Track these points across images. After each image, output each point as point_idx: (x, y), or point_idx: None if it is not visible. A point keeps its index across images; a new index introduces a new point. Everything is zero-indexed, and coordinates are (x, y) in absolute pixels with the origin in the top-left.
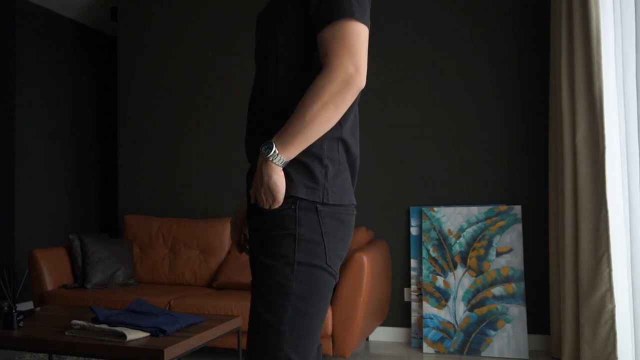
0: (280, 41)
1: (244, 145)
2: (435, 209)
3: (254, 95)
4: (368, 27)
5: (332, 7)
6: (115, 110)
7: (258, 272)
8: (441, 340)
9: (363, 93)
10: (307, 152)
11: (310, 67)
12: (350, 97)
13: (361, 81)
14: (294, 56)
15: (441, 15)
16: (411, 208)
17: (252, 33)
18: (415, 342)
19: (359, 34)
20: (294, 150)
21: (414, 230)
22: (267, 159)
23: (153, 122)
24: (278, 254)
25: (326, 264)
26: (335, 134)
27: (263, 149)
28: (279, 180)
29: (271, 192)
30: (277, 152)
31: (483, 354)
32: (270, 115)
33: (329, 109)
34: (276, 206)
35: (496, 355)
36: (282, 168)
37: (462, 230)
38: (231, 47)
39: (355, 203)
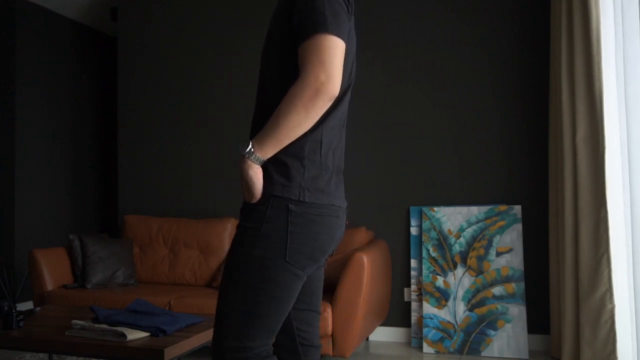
0: (273, 56)
1: None
2: (435, 209)
3: (255, 105)
4: (344, 40)
5: (308, 23)
6: (115, 110)
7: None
8: (441, 340)
9: (363, 93)
10: (289, 153)
11: (294, 78)
12: (321, 104)
13: (332, 90)
14: (282, 69)
15: (441, 15)
16: (411, 208)
17: (252, 33)
18: (415, 342)
19: (332, 47)
20: (269, 150)
21: (414, 230)
22: (243, 156)
23: (153, 122)
24: (240, 245)
25: (285, 261)
26: (317, 137)
27: (241, 146)
28: (255, 177)
29: (248, 188)
30: (252, 150)
31: (483, 354)
32: (264, 122)
33: (300, 114)
34: (254, 201)
35: (496, 355)
36: (259, 166)
37: (462, 230)
38: (231, 47)
39: (338, 204)
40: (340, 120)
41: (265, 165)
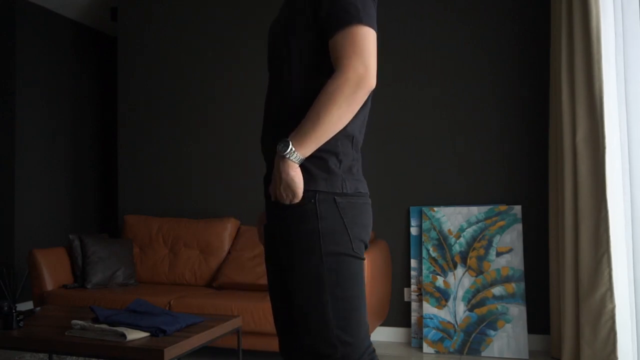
0: (293, 49)
1: (261, 146)
2: (435, 209)
3: (270, 101)
4: (375, 31)
5: (341, 15)
6: (115, 110)
7: (286, 269)
8: (441, 340)
9: None
10: (323, 148)
11: (321, 72)
12: (361, 97)
13: (371, 81)
14: (306, 63)
15: (441, 15)
16: (411, 208)
17: (252, 33)
18: (415, 342)
19: (367, 37)
20: (310, 147)
21: (414, 230)
22: (283, 157)
23: (153, 122)
24: (305, 249)
25: (353, 250)
26: (348, 131)
27: (280, 147)
28: (297, 177)
29: (290, 188)
30: (293, 149)
31: (483, 354)
32: (286, 118)
33: (342, 108)
34: (296, 201)
35: (496, 355)
36: (298, 164)
37: (462, 230)
38: (231, 47)
39: (367, 191)
40: (365, 114)
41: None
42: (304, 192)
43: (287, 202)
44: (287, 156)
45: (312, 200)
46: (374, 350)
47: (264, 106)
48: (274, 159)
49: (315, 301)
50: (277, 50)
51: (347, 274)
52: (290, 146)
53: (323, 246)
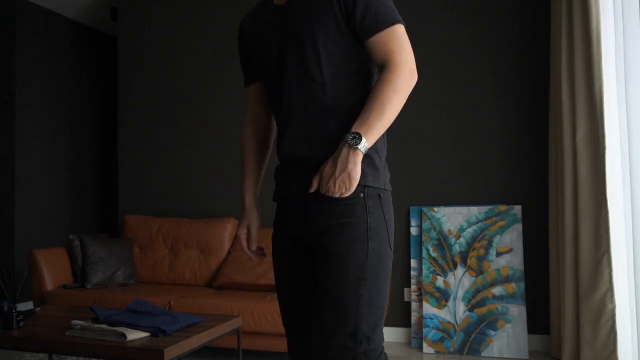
0: (323, 51)
1: (284, 151)
2: (435, 209)
3: (298, 104)
4: None
5: (381, 16)
6: (115, 110)
7: (329, 261)
8: (441, 340)
9: None
10: None
11: (350, 73)
12: (411, 88)
13: (416, 74)
14: (336, 64)
15: (441, 15)
16: (411, 208)
17: None
18: (415, 342)
19: (406, 35)
20: (374, 139)
21: (414, 230)
22: (356, 148)
23: (153, 122)
24: (353, 242)
25: (389, 247)
26: None
27: (351, 139)
28: (359, 169)
29: (350, 180)
30: (365, 141)
31: (483, 354)
32: (324, 120)
33: (400, 100)
34: (347, 194)
35: (496, 355)
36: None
37: (462, 230)
38: (231, 47)
39: None
40: None
41: None
42: (357, 187)
43: (337, 195)
44: (360, 147)
45: (362, 195)
46: (384, 351)
47: (284, 109)
48: (306, 161)
49: (354, 294)
50: (301, 52)
51: (382, 271)
52: (363, 138)
53: (370, 241)
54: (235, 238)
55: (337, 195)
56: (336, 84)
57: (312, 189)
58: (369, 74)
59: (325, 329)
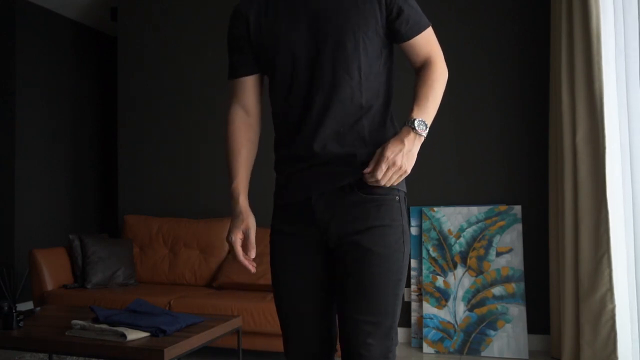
0: (361, 51)
1: (311, 150)
2: (435, 209)
3: (334, 103)
4: None
5: (420, 17)
6: (115, 110)
7: (373, 263)
8: (441, 340)
9: None
10: None
11: (380, 71)
12: None
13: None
14: (370, 63)
15: (441, 15)
16: (411, 208)
17: None
18: (415, 342)
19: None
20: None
21: (414, 230)
22: (421, 135)
23: (153, 122)
24: (395, 244)
25: (410, 250)
26: None
27: (417, 124)
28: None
29: (408, 165)
30: (428, 129)
31: (483, 354)
32: (359, 120)
33: (442, 92)
34: (400, 180)
35: (496, 355)
36: None
37: (462, 230)
38: None
39: None
40: None
41: None
42: (393, 190)
43: (388, 184)
44: (424, 135)
45: (397, 198)
46: None
47: (315, 108)
48: (344, 159)
49: (392, 295)
50: (340, 50)
51: (406, 272)
52: (428, 126)
53: (405, 245)
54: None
55: (388, 185)
56: (369, 84)
57: (377, 179)
58: (390, 75)
59: (364, 328)
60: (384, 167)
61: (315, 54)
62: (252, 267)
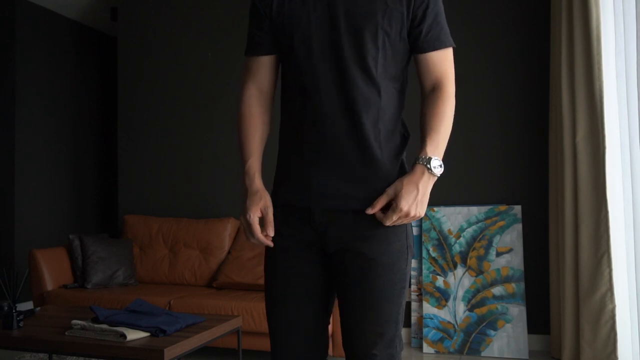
0: (381, 49)
1: (329, 148)
2: (435, 209)
3: (358, 102)
4: None
5: (444, 34)
6: (115, 110)
7: (378, 272)
8: (441, 340)
9: None
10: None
11: (396, 78)
12: None
13: None
14: (386, 67)
15: None
16: None
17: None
18: (415, 342)
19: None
20: None
21: (414, 230)
22: (436, 176)
23: (153, 122)
24: (399, 251)
25: (414, 252)
26: None
27: (437, 165)
28: None
29: (418, 217)
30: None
31: (483, 354)
32: (377, 122)
33: (451, 125)
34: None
35: (496, 355)
36: None
37: (462, 230)
38: (232, 47)
39: None
40: None
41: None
42: None
43: (408, 221)
44: (439, 175)
45: None
46: None
47: (337, 107)
48: (376, 168)
49: (396, 304)
50: (360, 45)
51: (409, 277)
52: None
53: (408, 250)
54: (236, 238)
55: (407, 222)
56: (385, 87)
57: (374, 210)
58: (403, 87)
59: (370, 338)
60: (395, 217)
61: (336, 47)
62: (270, 242)
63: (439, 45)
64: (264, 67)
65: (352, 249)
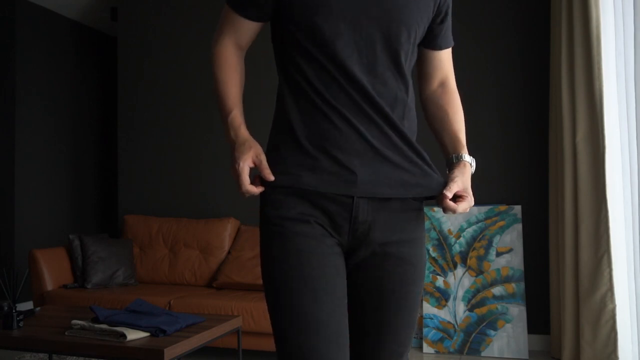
0: (412, 42)
1: (368, 143)
2: (435, 208)
3: (390, 92)
4: None
5: (450, 34)
6: (115, 111)
7: (409, 272)
8: (441, 340)
9: None
10: None
11: (408, 73)
12: None
13: None
14: (408, 61)
15: None
16: None
17: None
18: (415, 342)
19: None
20: None
21: None
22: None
23: (153, 122)
24: (423, 253)
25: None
26: None
27: (472, 162)
28: None
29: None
30: None
31: (483, 354)
32: (411, 122)
33: None
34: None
35: (496, 355)
36: None
37: (462, 230)
38: None
39: None
40: None
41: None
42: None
43: (461, 212)
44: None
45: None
46: None
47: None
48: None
49: (418, 304)
50: (397, 38)
51: None
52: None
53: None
54: (236, 238)
55: (460, 212)
56: (409, 85)
57: (450, 194)
58: (409, 82)
59: (402, 338)
60: (467, 207)
61: (371, 38)
62: (259, 190)
63: (451, 43)
64: (250, 31)
65: (394, 254)
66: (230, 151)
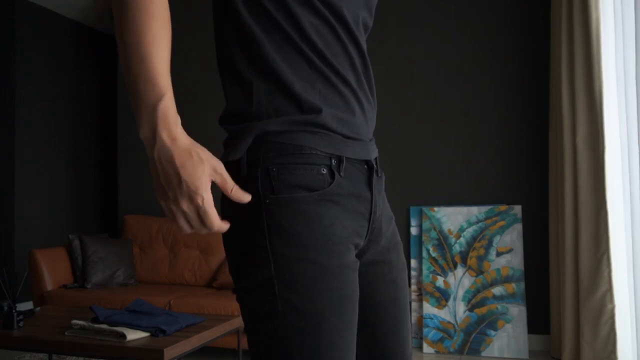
0: None
1: (364, 134)
2: (435, 209)
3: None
4: None
5: None
6: (115, 111)
7: (404, 279)
8: (441, 340)
9: None
10: None
11: None
12: None
13: None
14: None
15: (441, 16)
16: (411, 208)
17: None
18: (415, 342)
19: None
20: None
21: (414, 230)
22: None
23: None
24: None
25: None
26: None
27: None
28: None
29: None
30: None
31: (483, 354)
32: None
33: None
34: None
35: (496, 355)
36: None
37: (462, 230)
38: None
39: None
40: None
41: None
42: None
43: None
44: None
45: None
46: None
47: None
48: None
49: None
50: (368, 25)
51: None
52: None
53: None
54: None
55: None
56: None
57: None
58: None
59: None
60: None
61: (363, 24)
62: (226, 226)
63: None
64: None
65: (394, 248)
66: (156, 160)
